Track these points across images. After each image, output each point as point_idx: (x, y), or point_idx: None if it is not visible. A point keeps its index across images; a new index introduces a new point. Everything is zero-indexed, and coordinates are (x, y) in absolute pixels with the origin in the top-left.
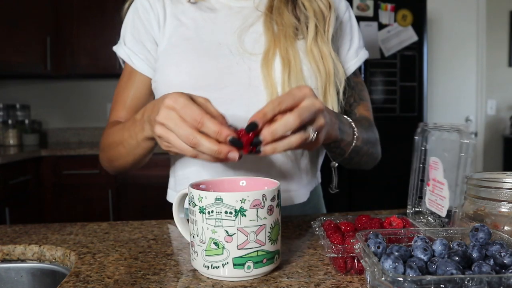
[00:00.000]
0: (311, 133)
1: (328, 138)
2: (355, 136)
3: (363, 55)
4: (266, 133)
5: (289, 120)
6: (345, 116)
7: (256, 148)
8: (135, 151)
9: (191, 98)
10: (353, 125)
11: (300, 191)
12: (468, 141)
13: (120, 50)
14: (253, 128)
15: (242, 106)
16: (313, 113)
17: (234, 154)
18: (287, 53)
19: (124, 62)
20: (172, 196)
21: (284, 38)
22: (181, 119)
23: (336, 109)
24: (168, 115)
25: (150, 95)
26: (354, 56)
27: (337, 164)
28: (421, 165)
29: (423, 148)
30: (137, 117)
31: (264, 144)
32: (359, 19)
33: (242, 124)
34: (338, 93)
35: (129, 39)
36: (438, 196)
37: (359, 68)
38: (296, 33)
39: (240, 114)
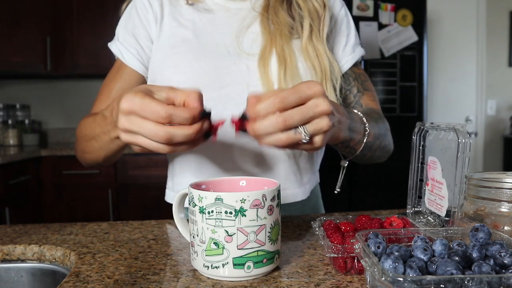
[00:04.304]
0: (303, 135)
1: (335, 140)
2: (366, 133)
3: (359, 51)
4: (249, 129)
5: (272, 122)
6: (355, 111)
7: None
8: (108, 147)
9: (150, 91)
10: (365, 121)
11: (300, 189)
12: (465, 141)
13: (113, 46)
14: (245, 118)
15: (240, 105)
16: (310, 116)
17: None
18: (283, 51)
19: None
20: (171, 196)
21: (280, 36)
22: (142, 119)
23: None
24: (128, 120)
25: None
26: (351, 52)
27: (347, 163)
28: (419, 164)
29: (421, 147)
30: (106, 114)
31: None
32: (359, 19)
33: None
34: (335, 90)
35: (122, 34)
36: (437, 195)
37: (360, 64)
38: (291, 32)
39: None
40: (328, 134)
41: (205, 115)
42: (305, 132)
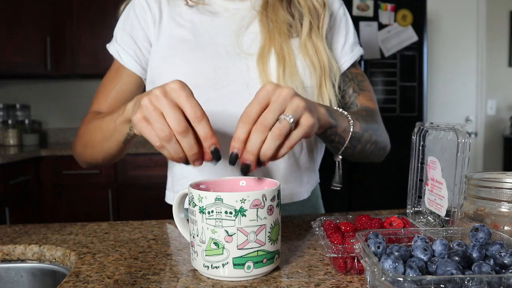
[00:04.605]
0: (287, 119)
1: (321, 122)
2: (350, 122)
3: (358, 51)
4: (247, 156)
5: (255, 133)
6: (335, 108)
7: (247, 171)
8: (110, 136)
9: None
10: (345, 112)
11: (301, 188)
12: (464, 141)
13: (111, 47)
14: (247, 169)
15: (239, 105)
16: (279, 106)
17: (200, 162)
18: (282, 49)
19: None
20: (170, 197)
21: (279, 35)
22: (175, 103)
23: (334, 102)
24: (164, 93)
25: (137, 91)
26: (350, 52)
27: (340, 157)
28: (419, 164)
29: (420, 147)
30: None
31: (254, 163)
32: (359, 19)
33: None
34: (334, 86)
35: (120, 35)
36: (437, 195)
37: (359, 64)
38: (290, 30)
39: (238, 113)
40: (311, 110)
41: (215, 154)
42: (285, 116)
